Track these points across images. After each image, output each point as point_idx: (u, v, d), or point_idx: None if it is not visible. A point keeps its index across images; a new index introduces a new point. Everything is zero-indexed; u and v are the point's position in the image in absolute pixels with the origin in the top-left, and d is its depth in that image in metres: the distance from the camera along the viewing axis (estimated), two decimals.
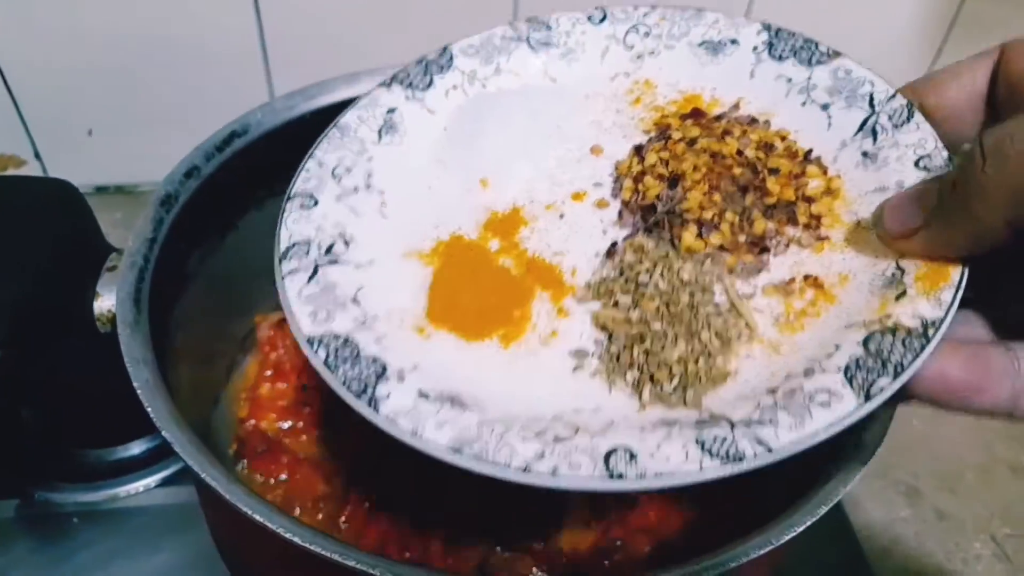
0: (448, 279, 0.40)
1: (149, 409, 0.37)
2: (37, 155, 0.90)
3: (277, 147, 0.55)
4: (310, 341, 0.35)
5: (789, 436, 0.30)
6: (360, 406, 0.33)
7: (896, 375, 0.31)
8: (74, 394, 0.72)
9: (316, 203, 0.41)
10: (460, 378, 0.35)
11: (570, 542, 0.53)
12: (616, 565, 0.53)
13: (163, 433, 0.36)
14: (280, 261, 0.39)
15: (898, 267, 0.34)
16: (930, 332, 0.31)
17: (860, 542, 0.67)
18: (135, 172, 0.94)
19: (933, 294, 0.32)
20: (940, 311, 0.32)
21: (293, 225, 0.40)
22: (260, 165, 0.55)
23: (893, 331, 0.32)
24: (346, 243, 0.40)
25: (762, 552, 0.34)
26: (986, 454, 0.75)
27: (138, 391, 0.37)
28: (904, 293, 0.33)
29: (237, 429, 0.58)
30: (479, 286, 0.39)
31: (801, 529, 0.35)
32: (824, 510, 0.36)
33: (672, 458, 0.30)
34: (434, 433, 0.32)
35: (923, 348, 0.31)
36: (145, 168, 0.92)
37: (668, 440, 0.31)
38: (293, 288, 0.37)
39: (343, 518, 0.53)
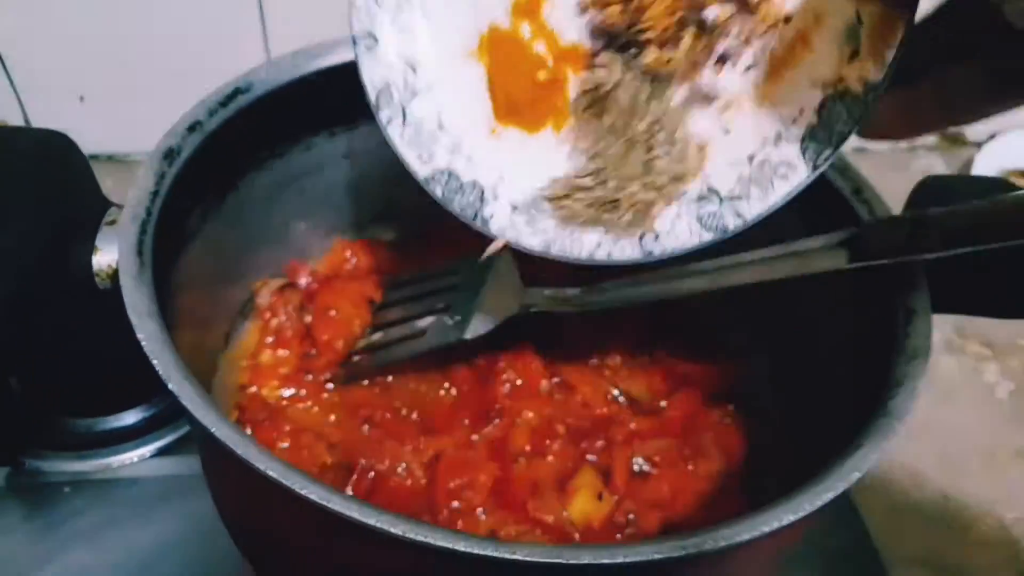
0: (500, 76, 0.47)
1: (156, 362, 0.35)
2: (27, 121, 0.88)
3: (280, 106, 0.54)
4: (426, 182, 0.47)
5: (758, 207, 0.42)
6: (478, 226, 0.47)
7: (837, 145, 0.39)
8: (66, 361, 0.70)
9: (376, 40, 0.47)
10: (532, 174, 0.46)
11: (582, 513, 0.52)
12: (626, 540, 0.52)
13: (170, 387, 0.35)
14: (376, 112, 0.47)
15: (858, 18, 0.38)
16: (869, 97, 0.37)
17: (867, 526, 0.67)
18: (127, 141, 0.91)
19: (878, 55, 0.37)
20: (880, 74, 0.37)
21: (368, 72, 0.47)
22: (263, 124, 0.54)
23: (842, 96, 0.38)
24: (413, 69, 0.47)
25: (796, 518, 0.32)
26: (992, 438, 0.75)
27: (143, 344, 0.35)
28: (857, 52, 0.38)
29: (237, 396, 0.57)
30: (525, 78, 0.46)
31: (832, 496, 0.34)
32: (857, 476, 0.34)
33: (681, 235, 0.44)
34: (530, 240, 0.46)
35: (861, 115, 0.37)
36: (137, 137, 0.89)
37: (679, 219, 0.44)
38: (396, 136, 0.47)
39: (348, 489, 0.52)
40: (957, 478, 0.71)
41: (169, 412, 0.67)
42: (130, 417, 0.67)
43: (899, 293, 0.43)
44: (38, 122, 0.88)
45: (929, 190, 0.48)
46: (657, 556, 0.30)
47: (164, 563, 0.60)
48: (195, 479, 0.54)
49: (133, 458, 0.65)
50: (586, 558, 0.30)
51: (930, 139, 1.06)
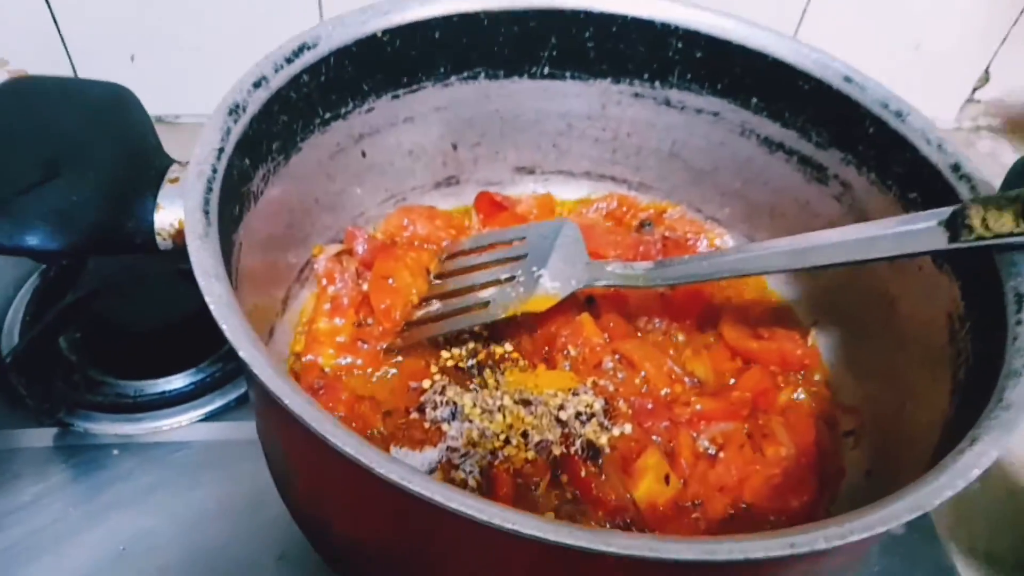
0: None
1: (224, 327, 0.33)
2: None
3: (346, 64, 0.52)
4: None
5: None
6: None
7: None
8: (116, 323, 0.69)
9: None
10: None
11: (647, 496, 0.50)
12: (692, 524, 0.50)
13: (239, 352, 0.33)
14: None
15: None
16: None
17: (931, 517, 0.64)
18: (178, 104, 0.90)
19: None
20: None
21: None
22: (328, 82, 0.52)
23: None
24: None
25: (912, 516, 0.30)
26: None
27: (211, 307, 0.34)
28: None
29: (293, 364, 0.55)
30: None
31: (951, 494, 0.31)
32: (977, 473, 0.32)
33: None
34: None
35: None
36: (188, 100, 0.88)
37: None
38: None
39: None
40: (1021, 475, 0.68)
41: (219, 377, 0.66)
42: (180, 381, 0.66)
43: (1009, 276, 0.40)
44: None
45: None
46: (764, 554, 0.28)
47: (211, 527, 0.59)
48: (243, 444, 0.53)
49: (182, 422, 0.64)
50: (687, 553, 0.28)
51: (995, 120, 1.02)
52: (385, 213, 0.64)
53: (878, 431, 0.47)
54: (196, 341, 0.66)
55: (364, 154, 0.58)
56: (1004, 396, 0.35)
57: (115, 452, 0.62)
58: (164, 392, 0.66)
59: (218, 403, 0.65)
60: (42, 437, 0.62)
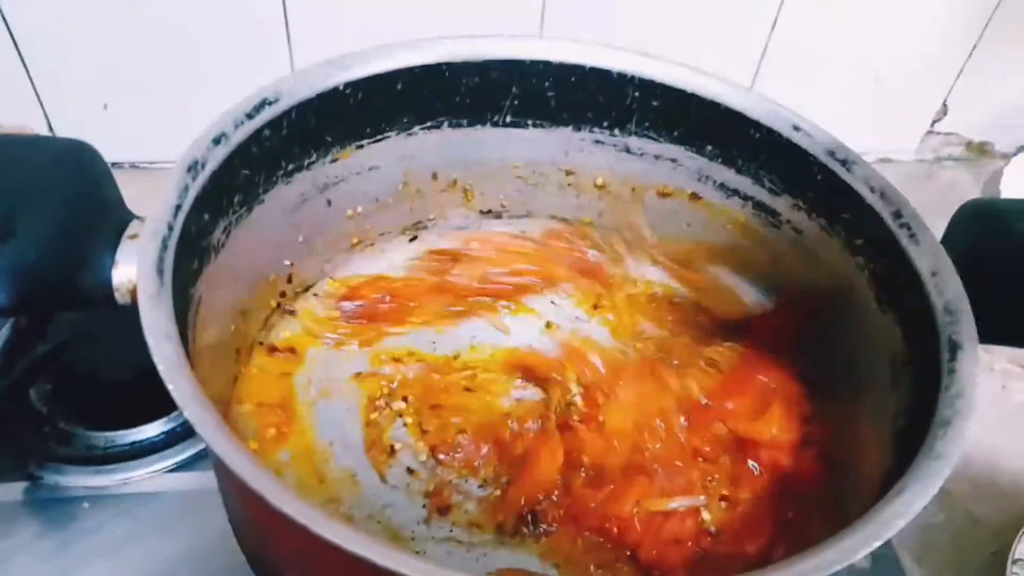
0: None
1: (171, 387, 0.34)
2: (50, 128, 0.88)
3: (308, 118, 0.53)
4: None
5: None
6: None
7: None
8: (86, 374, 0.69)
9: None
10: None
11: None
12: None
13: (186, 414, 0.33)
14: None
15: None
16: None
17: (894, 547, 0.65)
18: (150, 150, 0.91)
19: None
20: None
21: None
22: (290, 136, 0.53)
23: None
24: None
25: (836, 568, 0.31)
26: (1021, 460, 0.73)
27: (160, 368, 0.34)
28: None
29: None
30: None
31: (876, 545, 0.32)
32: (901, 524, 0.33)
33: None
34: None
35: None
36: (161, 145, 0.89)
37: None
38: None
39: None
40: (985, 500, 0.69)
41: (188, 427, 0.65)
42: (150, 431, 0.66)
43: (945, 325, 0.42)
44: (61, 128, 0.88)
45: (973, 218, 0.46)
46: None
47: None
48: (213, 493, 0.53)
49: (153, 472, 0.64)
50: None
51: (956, 150, 1.04)
52: (352, 258, 0.64)
53: (835, 477, 0.48)
54: (165, 391, 0.66)
55: (329, 203, 0.59)
56: (934, 445, 0.35)
57: (85, 505, 0.62)
58: (134, 442, 0.66)
59: (188, 452, 0.65)
60: (10, 491, 0.62)
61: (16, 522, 0.61)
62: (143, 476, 0.64)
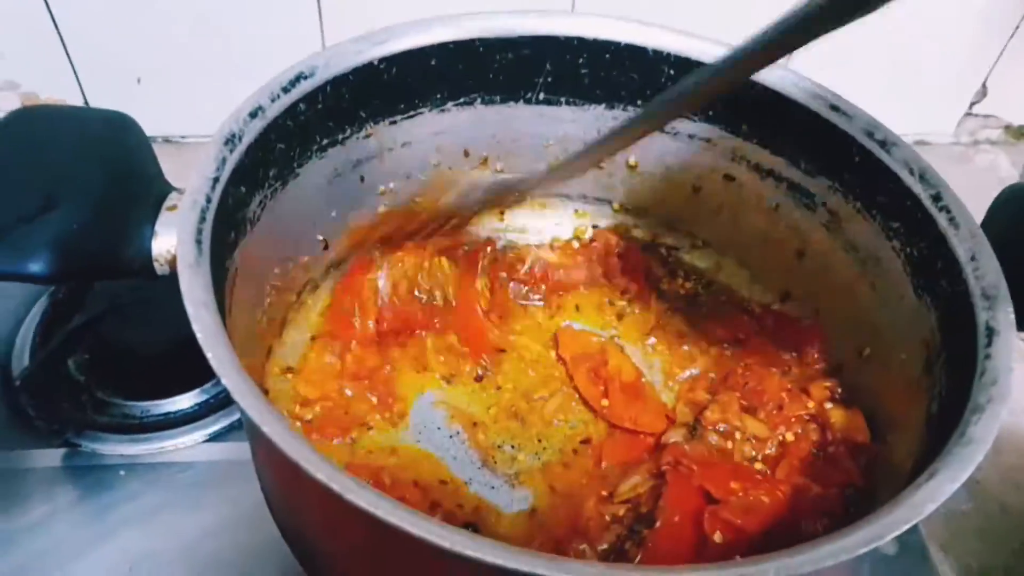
0: None
1: (210, 355, 0.34)
2: (86, 102, 0.88)
3: (342, 93, 0.53)
4: None
5: None
6: None
7: None
8: (125, 344, 0.71)
9: None
10: None
11: None
12: None
13: (224, 381, 0.34)
14: None
15: None
16: None
17: (922, 535, 0.65)
18: (183, 124, 0.92)
19: None
20: None
21: None
22: (325, 111, 0.53)
23: None
24: None
25: (865, 549, 0.31)
26: None
27: (198, 336, 0.35)
28: None
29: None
30: None
31: (905, 528, 0.32)
32: (932, 508, 0.32)
33: None
34: None
35: None
36: (194, 120, 0.90)
37: None
38: None
39: None
40: (1016, 489, 0.68)
41: (222, 398, 0.67)
42: (185, 402, 0.67)
43: (982, 309, 0.41)
44: (96, 102, 0.89)
45: (1014, 203, 0.46)
46: None
47: (214, 546, 0.60)
48: (246, 464, 0.54)
49: (187, 442, 0.65)
50: None
51: (993, 133, 1.02)
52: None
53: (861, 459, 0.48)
54: (200, 362, 0.67)
55: (363, 179, 0.59)
56: (966, 431, 0.35)
57: (121, 473, 0.64)
58: (169, 413, 0.67)
59: (222, 424, 0.66)
60: (50, 458, 0.64)
61: (55, 488, 0.62)
62: (178, 446, 0.65)
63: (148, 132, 0.89)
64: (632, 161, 0.64)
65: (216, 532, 0.61)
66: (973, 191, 0.52)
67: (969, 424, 0.36)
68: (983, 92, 0.98)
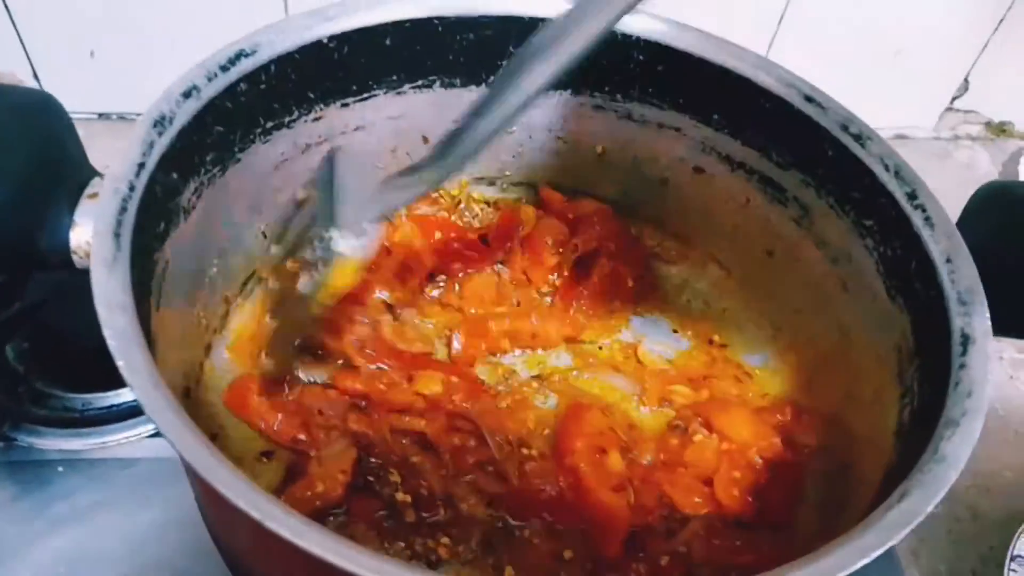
0: None
1: (122, 364, 0.31)
2: (35, 76, 0.84)
3: (288, 73, 0.50)
4: None
5: None
6: None
7: None
8: (65, 334, 0.67)
9: None
10: None
11: None
12: None
13: (135, 394, 0.31)
14: None
15: None
16: None
17: None
18: (139, 101, 0.87)
19: None
20: None
21: None
22: (269, 92, 0.50)
23: None
24: None
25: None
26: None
27: (110, 343, 0.32)
28: None
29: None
30: None
31: (877, 554, 0.30)
32: (905, 532, 0.30)
33: None
34: None
35: None
36: (150, 96, 0.86)
37: None
38: None
39: None
40: (987, 494, 0.67)
41: None
42: (128, 394, 0.64)
43: (958, 315, 0.39)
44: (47, 77, 0.85)
45: (990, 202, 0.43)
46: None
47: (157, 546, 0.57)
48: None
49: (130, 437, 0.62)
50: None
51: (974, 128, 1.01)
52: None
53: (827, 468, 0.46)
54: None
55: (312, 164, 0.56)
56: (939, 447, 0.33)
57: (60, 468, 0.60)
58: (112, 406, 0.64)
59: None
60: None
61: None
62: (120, 441, 0.62)
63: (101, 109, 0.88)
64: (599, 150, 0.62)
65: (159, 533, 0.58)
66: (952, 189, 0.50)
67: (942, 439, 0.34)
68: (965, 86, 0.96)
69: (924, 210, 0.44)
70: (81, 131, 0.46)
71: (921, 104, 0.98)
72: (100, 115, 0.88)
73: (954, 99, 0.97)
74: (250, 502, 0.29)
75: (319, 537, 0.28)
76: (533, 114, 0.60)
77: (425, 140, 0.60)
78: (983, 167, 0.98)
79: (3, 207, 0.39)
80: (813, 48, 0.87)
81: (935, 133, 1.00)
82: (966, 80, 0.95)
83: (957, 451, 0.33)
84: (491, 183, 0.66)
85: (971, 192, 0.50)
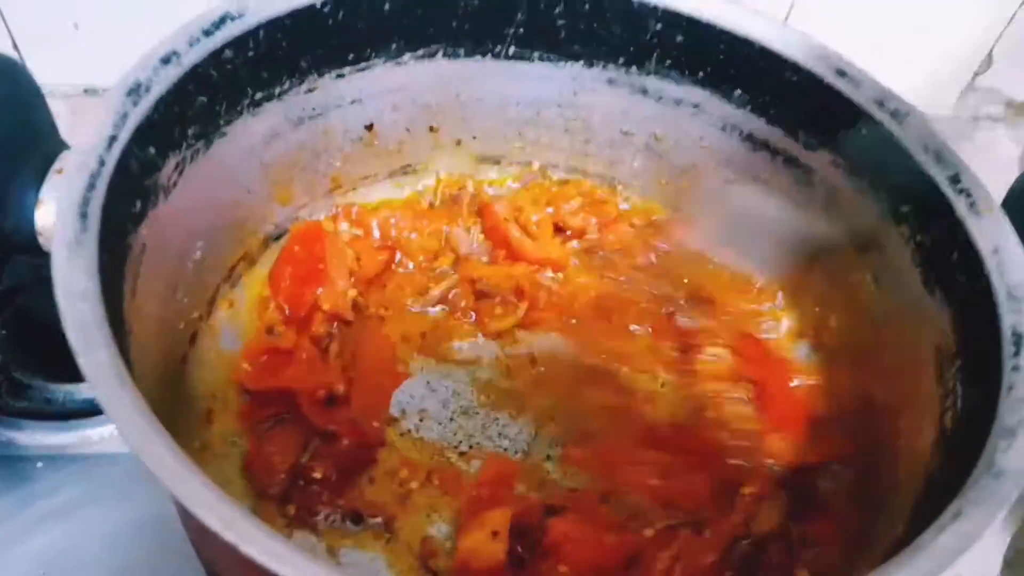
0: None
1: (82, 360, 0.28)
2: (15, 47, 0.81)
3: (278, 39, 0.47)
4: None
5: None
6: None
7: None
8: (45, 321, 0.64)
9: None
10: None
11: None
12: None
13: (95, 393, 0.28)
14: None
15: None
16: None
17: None
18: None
19: None
20: None
21: None
22: (258, 59, 0.46)
23: None
24: None
25: None
26: None
27: (70, 334, 0.28)
28: None
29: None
30: None
31: None
32: (959, 555, 0.27)
33: None
34: None
35: None
36: None
37: None
38: None
39: None
40: None
41: None
42: None
43: (1009, 311, 0.35)
44: (28, 49, 0.81)
45: None
46: None
47: (141, 545, 0.55)
48: None
49: (114, 432, 0.59)
50: None
51: (996, 109, 0.97)
52: (332, 204, 0.58)
53: (856, 473, 0.42)
54: None
55: (305, 140, 0.53)
56: (995, 460, 0.29)
57: (39, 464, 0.58)
58: (95, 399, 0.61)
59: None
60: None
61: None
62: (104, 436, 0.59)
63: (86, 82, 0.84)
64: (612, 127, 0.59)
65: (143, 532, 0.55)
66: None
67: (997, 450, 0.30)
68: (988, 62, 0.92)
69: (969, 195, 0.41)
70: (66, 106, 0.43)
71: (942, 81, 0.94)
72: (86, 90, 0.84)
73: (976, 76, 0.93)
74: (224, 522, 0.25)
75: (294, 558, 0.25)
76: (541, 89, 0.57)
77: (409, 132, 0.57)
78: (1004, 149, 0.94)
79: None
80: (830, 23, 0.83)
81: (955, 113, 0.96)
82: (990, 55, 0.91)
83: (1015, 463, 0.29)
84: (495, 162, 0.62)
85: (991, 175, 0.46)
